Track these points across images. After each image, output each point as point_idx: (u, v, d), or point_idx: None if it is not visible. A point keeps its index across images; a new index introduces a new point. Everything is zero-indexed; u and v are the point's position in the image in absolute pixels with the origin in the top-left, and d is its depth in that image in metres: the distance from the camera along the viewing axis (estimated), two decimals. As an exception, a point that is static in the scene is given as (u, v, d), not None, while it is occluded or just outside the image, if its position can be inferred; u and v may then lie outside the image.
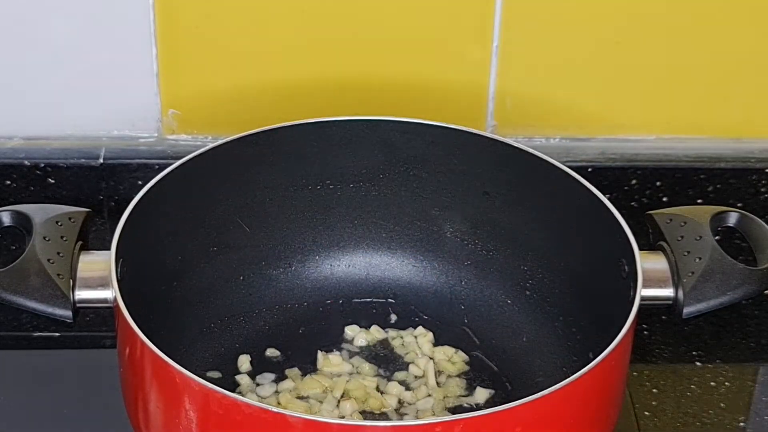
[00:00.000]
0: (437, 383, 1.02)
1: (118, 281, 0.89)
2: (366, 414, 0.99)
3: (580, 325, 1.01)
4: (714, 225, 0.99)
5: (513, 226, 1.06)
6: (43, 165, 1.17)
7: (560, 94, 1.17)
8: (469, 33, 1.15)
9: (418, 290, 1.10)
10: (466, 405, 1.00)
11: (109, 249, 0.92)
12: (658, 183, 1.19)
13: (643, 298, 0.90)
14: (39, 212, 0.97)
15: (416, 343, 1.05)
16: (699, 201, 1.18)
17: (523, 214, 1.05)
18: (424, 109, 1.15)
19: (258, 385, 1.01)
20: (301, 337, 1.06)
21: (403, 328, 1.07)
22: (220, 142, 1.03)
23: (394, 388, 1.01)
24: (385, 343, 1.06)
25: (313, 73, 1.16)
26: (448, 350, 1.04)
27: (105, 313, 0.93)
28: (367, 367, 1.03)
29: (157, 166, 1.13)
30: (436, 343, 1.05)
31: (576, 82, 1.17)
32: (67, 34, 1.13)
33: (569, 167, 1.01)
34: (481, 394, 1.01)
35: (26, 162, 1.17)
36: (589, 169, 1.16)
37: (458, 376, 1.03)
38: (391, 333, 1.06)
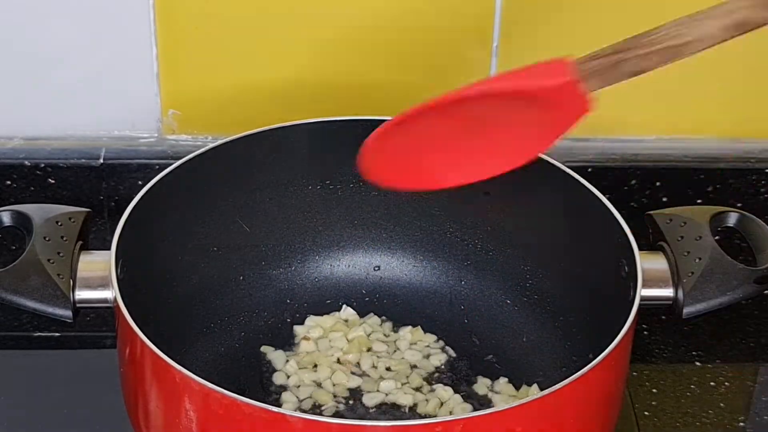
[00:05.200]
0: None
1: (118, 281, 0.89)
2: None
3: (580, 325, 1.01)
4: (714, 225, 0.99)
5: (513, 226, 1.06)
6: (43, 165, 1.17)
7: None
8: (469, 33, 1.15)
9: (418, 290, 1.10)
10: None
11: (109, 249, 0.92)
12: (658, 183, 1.19)
13: (643, 298, 0.90)
14: (39, 212, 0.97)
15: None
16: (699, 201, 1.18)
17: (524, 214, 1.05)
18: (424, 109, 1.15)
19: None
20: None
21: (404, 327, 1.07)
22: (220, 142, 1.03)
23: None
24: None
25: (313, 73, 1.16)
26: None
27: (105, 313, 0.93)
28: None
29: (157, 166, 1.13)
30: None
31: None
32: (67, 35, 1.13)
33: (569, 167, 1.01)
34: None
35: (26, 162, 1.17)
36: (589, 169, 1.16)
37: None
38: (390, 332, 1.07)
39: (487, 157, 0.85)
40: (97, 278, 0.92)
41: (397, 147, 0.87)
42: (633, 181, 1.19)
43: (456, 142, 0.84)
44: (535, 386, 1.00)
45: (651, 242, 0.99)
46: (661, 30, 0.78)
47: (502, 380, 1.02)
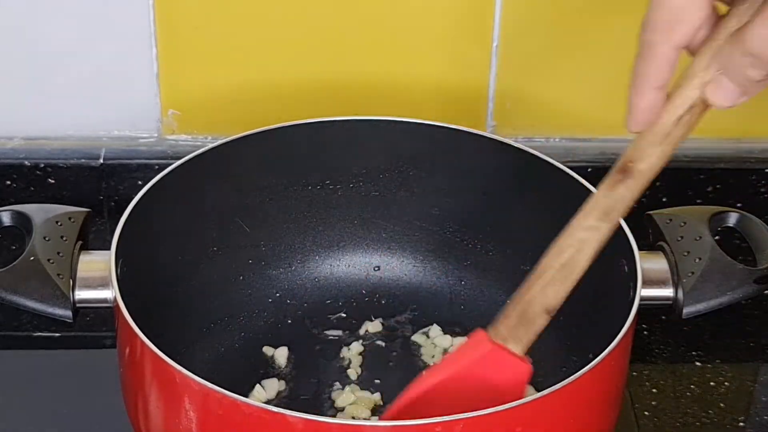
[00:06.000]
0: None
1: (118, 281, 0.89)
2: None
3: (580, 325, 1.01)
4: (713, 225, 0.99)
5: (513, 226, 1.06)
6: (43, 165, 1.17)
7: (560, 94, 1.17)
8: (469, 33, 1.15)
9: (418, 290, 1.10)
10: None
11: (109, 249, 0.92)
12: (657, 183, 1.18)
13: (642, 298, 0.90)
14: (39, 212, 0.97)
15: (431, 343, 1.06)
16: (699, 201, 1.18)
17: (523, 214, 1.05)
18: (424, 109, 1.15)
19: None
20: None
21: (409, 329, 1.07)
22: (220, 142, 1.03)
23: None
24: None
25: (313, 73, 1.16)
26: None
27: (105, 313, 0.93)
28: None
29: (157, 166, 1.13)
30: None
31: (576, 82, 1.17)
32: (67, 35, 1.13)
33: (569, 167, 1.01)
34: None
35: (26, 162, 1.17)
36: (589, 169, 1.16)
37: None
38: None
39: None
40: (97, 278, 0.92)
41: None
42: (633, 181, 1.18)
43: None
44: (531, 387, 1.00)
45: (651, 242, 0.99)
46: (545, 259, 0.80)
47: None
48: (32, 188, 1.17)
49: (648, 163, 0.77)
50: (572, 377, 0.82)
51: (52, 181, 1.17)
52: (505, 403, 0.80)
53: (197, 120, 1.18)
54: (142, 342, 0.85)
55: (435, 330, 1.06)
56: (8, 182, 1.17)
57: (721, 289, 0.94)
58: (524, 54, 1.16)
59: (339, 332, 1.06)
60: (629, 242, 0.94)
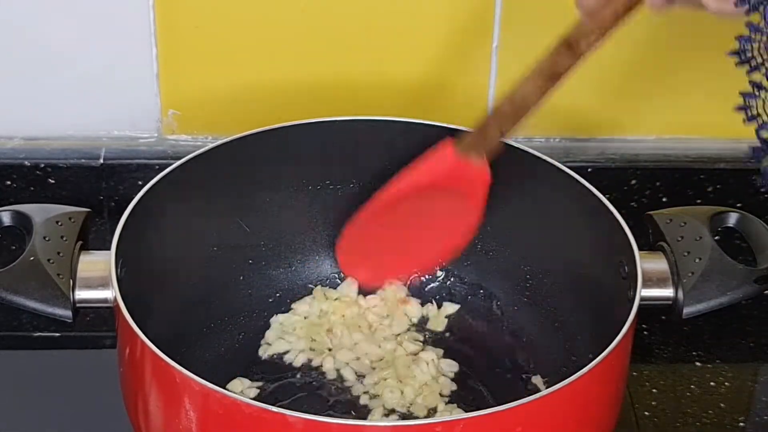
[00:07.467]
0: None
1: (118, 281, 0.89)
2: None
3: (580, 325, 1.01)
4: (714, 225, 0.99)
5: (513, 226, 1.06)
6: (43, 165, 1.17)
7: (560, 94, 1.17)
8: (469, 33, 1.15)
9: (418, 290, 1.09)
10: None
11: (109, 249, 0.92)
12: (657, 183, 1.19)
13: (643, 299, 0.90)
14: (39, 212, 0.97)
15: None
16: (699, 201, 1.18)
17: (524, 214, 1.05)
18: (424, 109, 1.15)
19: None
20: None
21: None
22: (220, 142, 1.03)
23: None
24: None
25: (313, 73, 1.16)
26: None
27: (105, 313, 0.93)
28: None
29: (157, 166, 1.13)
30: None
31: (576, 82, 1.16)
32: (68, 35, 1.13)
33: (569, 167, 1.01)
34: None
35: (26, 162, 1.17)
36: (589, 169, 1.16)
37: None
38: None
39: (433, 243, 0.99)
40: (97, 278, 0.92)
41: (360, 245, 1.02)
42: (633, 181, 1.19)
43: (402, 236, 0.98)
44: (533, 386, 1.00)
45: (651, 242, 0.99)
46: (504, 98, 0.92)
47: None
48: (32, 188, 1.17)
49: (588, 43, 0.89)
50: (572, 377, 0.82)
51: (52, 181, 1.17)
52: (466, 207, 0.93)
53: (197, 120, 1.18)
54: (142, 342, 0.85)
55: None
56: (8, 182, 1.17)
57: (721, 289, 0.94)
58: (524, 54, 1.15)
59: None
60: (629, 242, 0.94)
